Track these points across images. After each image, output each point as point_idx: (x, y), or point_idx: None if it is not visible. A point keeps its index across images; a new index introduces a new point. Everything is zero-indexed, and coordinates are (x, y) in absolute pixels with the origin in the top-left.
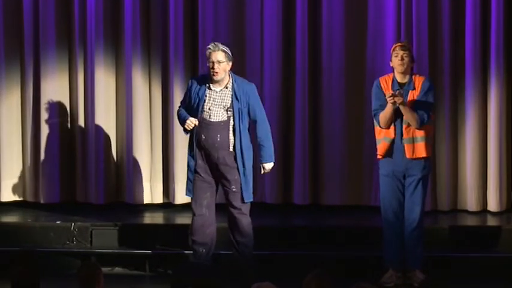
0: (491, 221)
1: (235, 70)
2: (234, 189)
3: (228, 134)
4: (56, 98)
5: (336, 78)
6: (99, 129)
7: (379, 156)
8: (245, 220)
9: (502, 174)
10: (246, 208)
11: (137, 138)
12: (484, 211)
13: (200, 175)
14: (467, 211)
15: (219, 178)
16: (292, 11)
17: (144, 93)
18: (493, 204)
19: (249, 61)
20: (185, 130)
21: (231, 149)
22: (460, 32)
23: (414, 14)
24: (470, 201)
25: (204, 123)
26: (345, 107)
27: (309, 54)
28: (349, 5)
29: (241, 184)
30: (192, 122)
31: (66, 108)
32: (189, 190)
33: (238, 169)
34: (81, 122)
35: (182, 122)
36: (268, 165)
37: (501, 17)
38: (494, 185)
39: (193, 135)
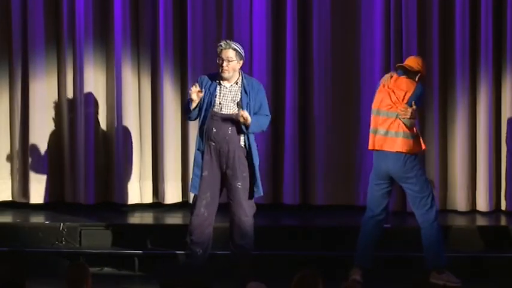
0: (481, 221)
1: None
2: (239, 186)
3: (239, 127)
4: (44, 98)
5: (326, 79)
6: (87, 128)
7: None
8: (248, 222)
9: (491, 174)
10: (250, 210)
11: (126, 138)
12: (473, 211)
13: (205, 173)
14: (456, 211)
15: (227, 174)
16: (282, 9)
17: (134, 93)
18: (482, 204)
19: None
20: (188, 109)
21: (242, 143)
22: (449, 29)
23: (403, 12)
24: (459, 201)
25: (215, 117)
26: (335, 107)
27: (299, 53)
28: (338, 2)
29: (252, 179)
30: (195, 88)
31: (55, 109)
32: (194, 187)
33: (248, 165)
34: (70, 122)
35: (186, 102)
36: (247, 117)
37: (489, 15)
38: (483, 185)
39: (203, 130)
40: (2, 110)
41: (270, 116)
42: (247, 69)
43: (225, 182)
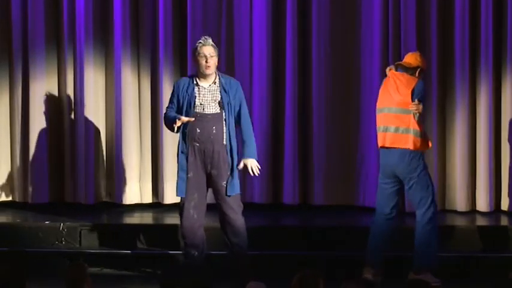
0: (481, 221)
1: (225, 71)
2: (224, 185)
3: (222, 126)
4: (44, 98)
5: (326, 79)
6: (88, 129)
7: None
8: (238, 220)
9: (491, 174)
10: (238, 207)
11: (126, 138)
12: (473, 211)
13: (190, 174)
14: (456, 211)
15: (211, 174)
16: (282, 9)
17: (134, 93)
18: (482, 204)
19: (238, 61)
20: (173, 128)
21: (225, 142)
22: (449, 29)
23: (402, 10)
24: (459, 201)
25: (198, 117)
26: (335, 107)
27: (299, 53)
28: (337, 3)
29: (228, 178)
30: (183, 119)
31: (55, 109)
32: (181, 190)
33: (228, 163)
34: (70, 122)
35: (171, 120)
36: (253, 162)
37: (489, 15)
38: (483, 185)
39: (186, 132)
40: (2, 110)
41: (248, 115)
42: (247, 69)
43: (210, 183)
